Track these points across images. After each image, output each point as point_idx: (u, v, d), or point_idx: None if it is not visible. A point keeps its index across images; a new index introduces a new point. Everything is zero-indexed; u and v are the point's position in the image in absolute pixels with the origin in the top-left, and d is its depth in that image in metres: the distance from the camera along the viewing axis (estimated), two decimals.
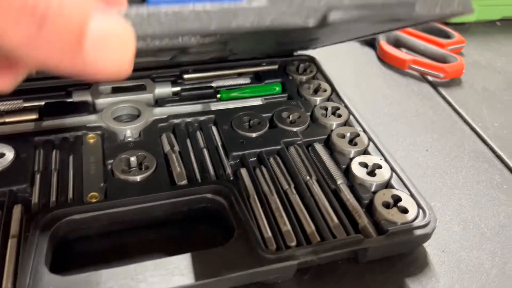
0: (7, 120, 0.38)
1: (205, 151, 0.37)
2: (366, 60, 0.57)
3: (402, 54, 0.54)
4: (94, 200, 0.31)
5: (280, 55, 0.49)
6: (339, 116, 0.40)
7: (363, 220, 0.31)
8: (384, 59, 0.56)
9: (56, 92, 0.41)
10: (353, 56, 0.57)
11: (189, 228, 0.33)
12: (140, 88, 0.42)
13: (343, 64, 0.55)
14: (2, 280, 0.26)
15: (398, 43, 0.58)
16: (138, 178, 0.33)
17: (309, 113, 0.41)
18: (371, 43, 0.59)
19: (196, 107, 0.41)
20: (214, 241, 0.32)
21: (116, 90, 0.42)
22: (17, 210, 0.30)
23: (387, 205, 0.32)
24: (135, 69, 0.19)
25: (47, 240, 0.28)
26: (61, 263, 0.29)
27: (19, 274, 0.26)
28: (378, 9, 0.23)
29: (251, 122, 0.39)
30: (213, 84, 0.44)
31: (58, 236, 0.30)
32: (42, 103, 0.40)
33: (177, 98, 0.42)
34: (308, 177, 0.34)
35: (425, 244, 0.33)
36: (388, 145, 0.37)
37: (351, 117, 0.40)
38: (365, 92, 0.50)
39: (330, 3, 0.21)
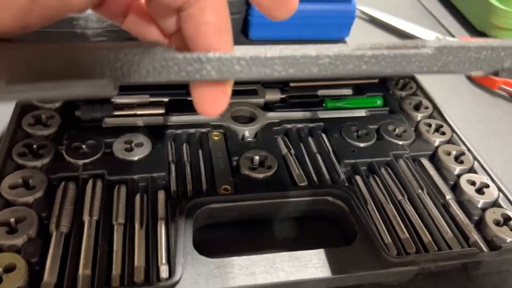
0: (138, 112, 0.42)
1: (319, 156, 0.39)
2: (455, 77, 0.58)
3: None
4: (227, 193, 0.35)
5: None
6: (443, 133, 0.42)
7: (474, 235, 0.33)
8: (473, 78, 0.57)
9: (177, 90, 0.45)
10: (443, 74, 0.58)
11: (306, 226, 0.36)
12: (253, 92, 0.46)
13: (432, 81, 0.56)
14: (157, 256, 0.30)
15: None
16: (261, 175, 0.36)
17: (413, 128, 0.43)
18: None
19: (306, 114, 0.44)
20: (331, 241, 0.35)
21: (232, 93, 0.45)
22: (161, 195, 0.34)
23: (497, 223, 0.34)
24: None
25: (192, 224, 0.32)
26: (199, 246, 0.33)
27: (173, 253, 0.30)
28: None
29: (359, 132, 0.42)
30: (318, 93, 0.47)
31: (197, 222, 0.33)
32: (166, 99, 0.44)
33: (284, 104, 0.45)
34: (419, 190, 0.36)
35: None
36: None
37: (455, 135, 0.42)
38: (457, 109, 0.52)
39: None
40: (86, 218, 0.32)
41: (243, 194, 0.35)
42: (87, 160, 0.36)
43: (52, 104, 0.41)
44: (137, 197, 0.34)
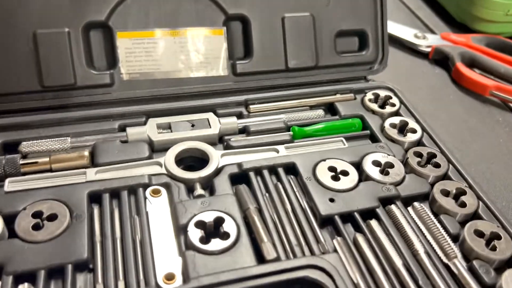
0: (54, 166, 0.32)
1: (290, 212, 0.31)
2: (440, 82, 0.51)
3: (483, 78, 0.49)
4: (171, 283, 0.26)
5: (352, 79, 0.43)
6: (437, 166, 0.35)
7: None
8: (461, 83, 0.50)
9: (106, 125, 0.36)
10: (426, 78, 0.51)
11: None
12: (203, 125, 0.37)
13: (416, 87, 0.49)
14: None
15: (473, 64, 0.52)
16: (219, 248, 0.28)
17: (400, 159, 0.35)
18: (443, 62, 0.53)
19: (271, 153, 0.35)
20: None
21: (176, 126, 0.36)
22: None
23: None
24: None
25: None
26: None
27: None
28: None
29: (337, 171, 0.34)
30: (284, 118, 0.38)
31: None
32: (92, 142, 0.34)
33: (243, 137, 0.37)
34: (418, 251, 0.29)
35: None
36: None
37: (451, 167, 0.35)
38: (446, 123, 0.44)
39: None
40: None
41: (194, 281, 0.26)
42: None
43: None
44: None
